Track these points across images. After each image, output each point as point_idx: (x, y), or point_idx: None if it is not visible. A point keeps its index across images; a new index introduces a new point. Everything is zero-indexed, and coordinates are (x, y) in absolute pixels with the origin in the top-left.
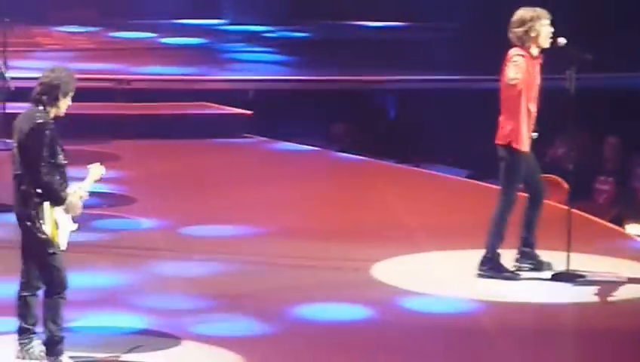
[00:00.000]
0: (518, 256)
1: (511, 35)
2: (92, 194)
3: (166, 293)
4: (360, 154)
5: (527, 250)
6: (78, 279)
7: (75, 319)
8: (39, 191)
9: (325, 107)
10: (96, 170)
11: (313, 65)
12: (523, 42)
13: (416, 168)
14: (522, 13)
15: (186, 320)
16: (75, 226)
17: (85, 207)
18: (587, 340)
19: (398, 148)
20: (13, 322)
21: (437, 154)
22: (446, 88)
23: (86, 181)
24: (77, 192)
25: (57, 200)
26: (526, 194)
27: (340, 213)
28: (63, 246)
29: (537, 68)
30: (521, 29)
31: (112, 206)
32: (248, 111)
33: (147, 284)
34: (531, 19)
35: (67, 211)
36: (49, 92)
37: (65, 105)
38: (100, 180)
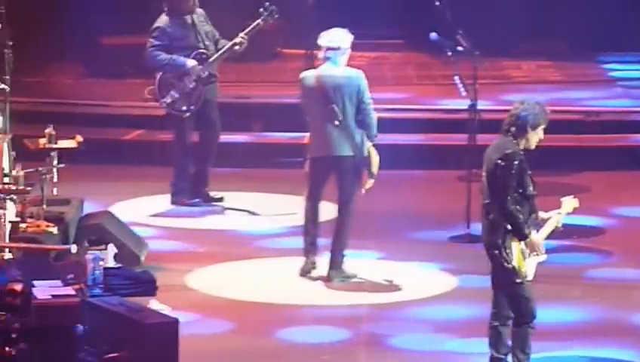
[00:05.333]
0: None
1: None
2: (564, 226)
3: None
4: None
5: None
6: (546, 310)
7: (541, 350)
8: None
9: None
10: (569, 202)
11: None
12: None
13: None
14: None
15: None
16: (544, 257)
17: (554, 238)
18: None
19: None
20: None
21: None
22: None
23: (559, 212)
24: (544, 230)
25: (519, 233)
26: None
27: None
28: (530, 276)
29: None
30: None
31: (581, 237)
32: None
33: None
34: None
35: (528, 248)
36: (517, 124)
37: (535, 138)
38: (574, 212)
